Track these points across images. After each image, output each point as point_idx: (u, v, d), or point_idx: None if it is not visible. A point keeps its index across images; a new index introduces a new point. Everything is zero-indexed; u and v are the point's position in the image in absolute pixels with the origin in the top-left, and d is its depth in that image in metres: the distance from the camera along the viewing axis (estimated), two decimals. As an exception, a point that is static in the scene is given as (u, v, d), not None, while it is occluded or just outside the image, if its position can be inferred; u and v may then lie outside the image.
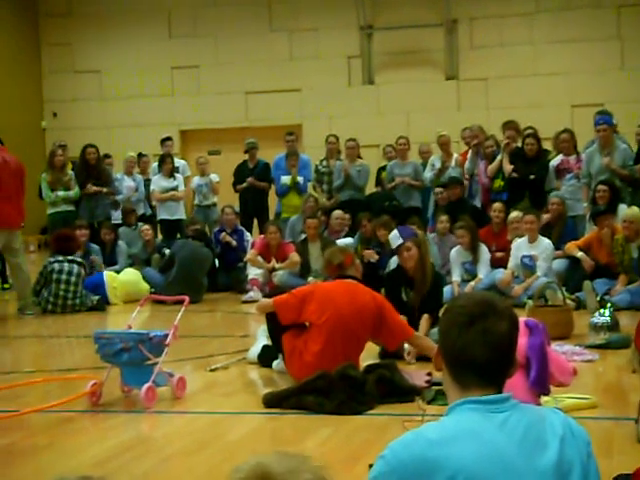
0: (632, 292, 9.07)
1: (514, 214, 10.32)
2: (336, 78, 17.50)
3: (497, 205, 10.69)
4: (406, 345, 6.81)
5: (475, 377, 2.24)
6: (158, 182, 13.04)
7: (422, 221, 11.46)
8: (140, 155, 14.25)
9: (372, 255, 10.66)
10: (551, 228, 10.40)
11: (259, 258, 10.95)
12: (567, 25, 16.54)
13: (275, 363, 6.61)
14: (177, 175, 13.14)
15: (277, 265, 10.91)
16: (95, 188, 12.22)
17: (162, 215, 13.06)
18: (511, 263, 9.79)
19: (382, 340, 6.37)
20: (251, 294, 10.71)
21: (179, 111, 17.98)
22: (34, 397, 6.07)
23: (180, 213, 13.10)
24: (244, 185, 13.10)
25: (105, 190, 12.38)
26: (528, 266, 9.65)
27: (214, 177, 13.64)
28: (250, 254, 11.10)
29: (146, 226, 12.54)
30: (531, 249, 9.68)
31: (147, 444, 5.13)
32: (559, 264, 9.94)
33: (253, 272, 11.01)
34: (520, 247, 9.77)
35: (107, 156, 13.97)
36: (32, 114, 18.38)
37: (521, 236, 9.86)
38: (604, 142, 10.66)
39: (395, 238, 7.21)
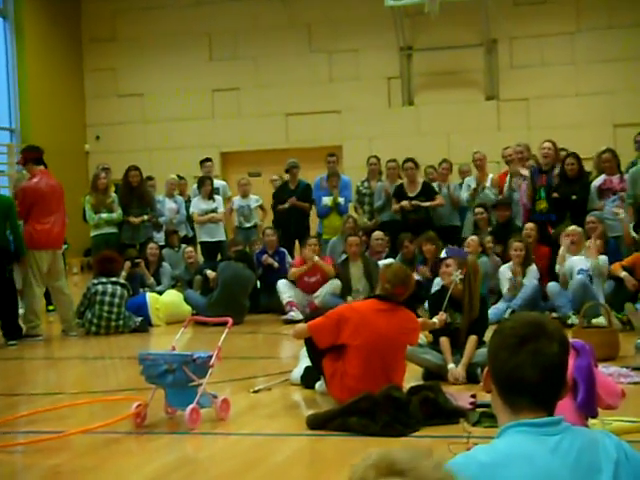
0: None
1: (571, 228, 10.24)
2: (376, 99, 17.54)
3: (528, 224, 10.70)
4: (450, 365, 6.79)
5: (526, 399, 2.22)
6: (197, 204, 13.08)
7: (459, 240, 11.46)
8: (178, 177, 14.35)
9: (426, 273, 10.64)
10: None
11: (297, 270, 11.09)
12: (609, 44, 16.44)
13: (318, 384, 6.59)
14: (216, 197, 13.18)
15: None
16: (136, 220, 12.32)
17: (202, 237, 13.11)
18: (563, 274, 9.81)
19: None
20: (292, 314, 10.73)
21: (220, 133, 18.12)
22: (79, 418, 6.11)
23: (220, 235, 13.14)
24: (285, 205, 13.10)
25: (146, 218, 12.47)
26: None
27: (255, 199, 13.70)
28: (291, 273, 11.14)
29: (189, 248, 12.64)
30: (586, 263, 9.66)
31: (192, 465, 5.14)
32: (604, 285, 9.86)
33: (287, 295, 11.01)
34: (574, 262, 9.72)
35: (150, 178, 14.08)
36: (75, 138, 18.63)
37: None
38: (650, 162, 10.56)
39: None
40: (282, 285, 11.11)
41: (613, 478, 2.14)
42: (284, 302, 10.97)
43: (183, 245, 13.02)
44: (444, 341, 6.93)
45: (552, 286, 9.88)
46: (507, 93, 17.04)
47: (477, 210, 11.75)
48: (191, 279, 12.14)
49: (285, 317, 10.79)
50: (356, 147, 16.84)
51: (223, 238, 13.16)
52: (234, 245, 11.82)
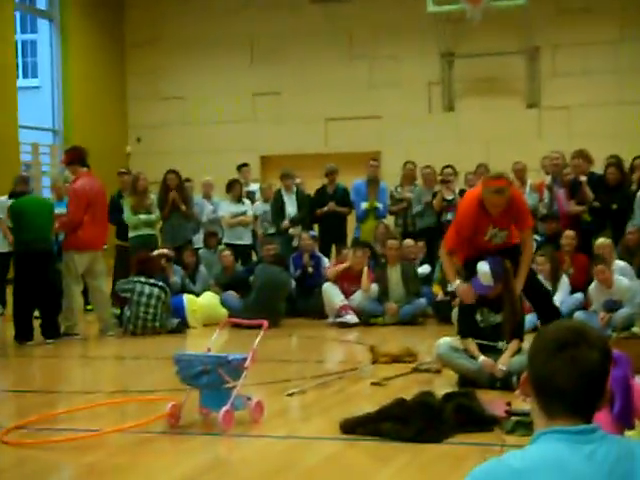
0: None
1: (600, 240, 10.13)
2: (416, 105, 17.47)
3: (567, 233, 10.52)
4: (482, 357, 6.74)
5: (561, 406, 2.18)
6: (227, 207, 13.07)
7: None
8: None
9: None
10: (632, 257, 10.18)
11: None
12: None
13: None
14: (245, 200, 13.17)
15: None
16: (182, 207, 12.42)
17: (228, 240, 12.96)
18: (594, 306, 9.57)
19: None
20: (347, 317, 10.71)
21: (260, 137, 18.14)
22: (114, 417, 6.16)
23: (247, 238, 13.09)
24: (325, 210, 13.02)
25: (184, 208, 12.50)
26: (612, 309, 9.39)
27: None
28: (330, 272, 11.17)
29: (226, 252, 12.49)
30: (612, 295, 9.42)
31: (224, 467, 5.15)
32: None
33: (338, 299, 10.95)
34: (599, 293, 9.52)
35: (187, 180, 14.06)
36: (117, 139, 18.75)
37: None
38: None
39: (483, 269, 6.87)
40: (331, 289, 11.06)
41: (648, 488, 2.11)
42: (336, 306, 10.90)
43: (220, 247, 12.98)
44: (469, 342, 6.89)
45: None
46: (549, 101, 16.90)
47: None
48: (227, 282, 12.01)
49: (341, 320, 10.76)
50: (395, 153, 16.78)
51: (249, 242, 13.11)
52: (266, 244, 11.73)
